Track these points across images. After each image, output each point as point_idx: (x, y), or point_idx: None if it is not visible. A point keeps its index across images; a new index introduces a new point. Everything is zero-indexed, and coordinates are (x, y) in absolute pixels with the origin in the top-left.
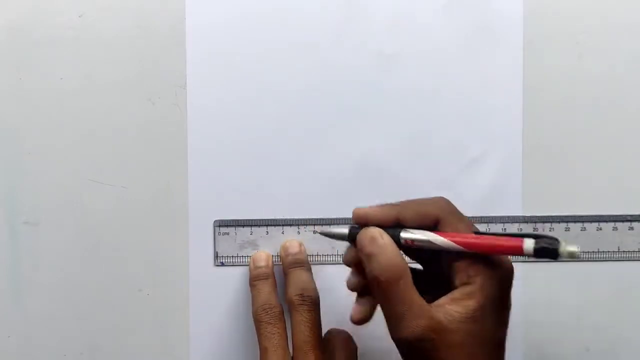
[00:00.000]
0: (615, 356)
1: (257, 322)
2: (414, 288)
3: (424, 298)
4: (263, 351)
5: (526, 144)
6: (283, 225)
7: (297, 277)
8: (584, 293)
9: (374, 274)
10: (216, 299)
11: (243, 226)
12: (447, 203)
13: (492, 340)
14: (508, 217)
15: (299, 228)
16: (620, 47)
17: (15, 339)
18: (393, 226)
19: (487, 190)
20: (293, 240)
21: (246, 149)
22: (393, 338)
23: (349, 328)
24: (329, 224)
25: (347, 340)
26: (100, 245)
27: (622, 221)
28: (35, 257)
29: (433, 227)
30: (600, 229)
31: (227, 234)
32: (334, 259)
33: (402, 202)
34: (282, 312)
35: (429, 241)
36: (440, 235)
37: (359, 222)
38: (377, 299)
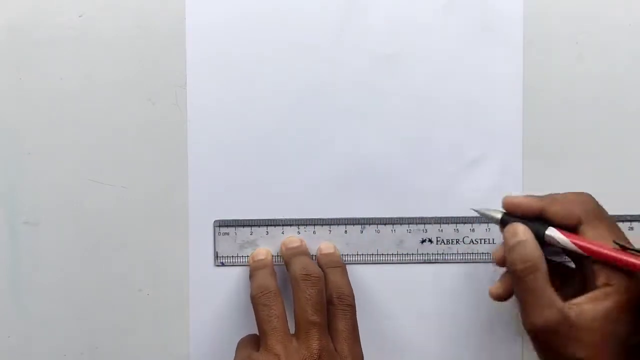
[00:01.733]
0: None
1: (254, 305)
2: (548, 282)
3: (563, 294)
4: (262, 335)
5: (526, 144)
6: (283, 225)
7: (299, 259)
8: None
9: (511, 264)
10: (216, 299)
11: (243, 226)
12: (592, 202)
13: (623, 346)
14: None
15: (298, 228)
16: (620, 47)
17: (15, 339)
18: (538, 218)
19: (487, 190)
20: (294, 236)
21: (246, 149)
22: (524, 326)
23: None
24: (329, 224)
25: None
26: (100, 245)
27: (622, 221)
28: (35, 257)
29: (576, 225)
30: None
31: (227, 234)
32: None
33: (549, 196)
34: (280, 294)
35: (562, 243)
36: (576, 241)
37: (508, 210)
38: (514, 286)
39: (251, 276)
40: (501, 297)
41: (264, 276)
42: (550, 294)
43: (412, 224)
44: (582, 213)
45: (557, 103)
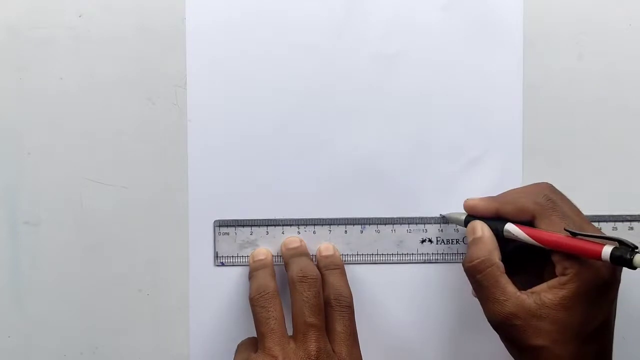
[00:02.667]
0: None
1: (252, 306)
2: (505, 277)
3: (522, 287)
4: (259, 337)
5: (526, 144)
6: (283, 225)
7: (298, 261)
8: None
9: (465, 262)
10: (216, 299)
11: (243, 226)
12: (544, 193)
13: (579, 333)
14: None
15: (298, 228)
16: (620, 47)
17: (15, 339)
18: (497, 218)
19: (487, 190)
20: (294, 236)
21: (246, 149)
22: (488, 322)
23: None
24: (329, 224)
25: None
26: (100, 245)
27: (622, 221)
28: (35, 257)
29: (531, 220)
30: (600, 228)
31: (227, 234)
32: None
33: (503, 195)
34: (278, 295)
35: (520, 237)
36: (530, 232)
37: (468, 212)
38: (471, 284)
39: (250, 277)
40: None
41: (263, 277)
42: (505, 285)
43: (412, 224)
44: (534, 207)
45: (557, 103)
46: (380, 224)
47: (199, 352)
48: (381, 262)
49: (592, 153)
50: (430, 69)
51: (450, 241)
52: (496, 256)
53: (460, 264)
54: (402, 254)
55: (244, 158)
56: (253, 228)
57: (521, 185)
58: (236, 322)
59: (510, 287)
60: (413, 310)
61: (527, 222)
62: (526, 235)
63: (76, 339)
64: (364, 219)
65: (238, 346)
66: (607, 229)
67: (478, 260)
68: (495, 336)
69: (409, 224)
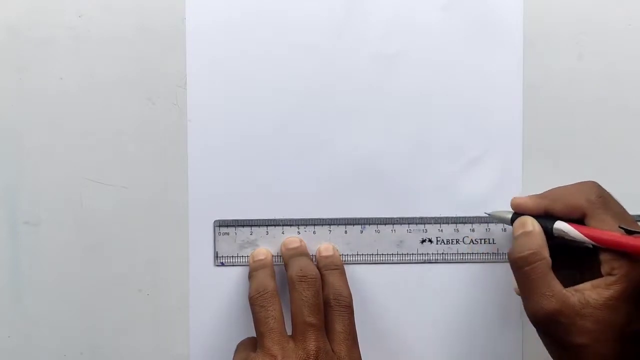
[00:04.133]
0: None
1: (252, 306)
2: (551, 273)
3: (567, 284)
4: (259, 336)
5: (526, 144)
6: (283, 225)
7: (297, 261)
8: None
9: (512, 252)
10: (216, 299)
11: (243, 226)
12: (595, 191)
13: (623, 333)
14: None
15: (298, 228)
16: (620, 47)
17: (15, 339)
18: (545, 216)
19: (487, 190)
20: (294, 236)
21: (246, 149)
22: (527, 315)
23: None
24: (329, 224)
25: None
26: (100, 245)
27: None
28: (35, 257)
29: (581, 218)
30: None
31: (227, 234)
32: None
33: (550, 192)
34: (277, 294)
35: (572, 235)
36: (583, 230)
37: (516, 210)
38: (516, 277)
39: (250, 276)
40: None
41: (262, 277)
42: (551, 281)
43: (412, 224)
44: (586, 204)
45: (557, 103)
46: (380, 224)
47: (199, 352)
48: (381, 262)
49: (592, 153)
50: (430, 69)
51: (451, 241)
52: (546, 252)
53: (460, 264)
54: (402, 254)
55: (244, 158)
56: (253, 228)
57: (521, 185)
58: (236, 322)
59: (556, 284)
60: (413, 311)
61: (575, 220)
62: (578, 233)
63: (76, 339)
64: (364, 219)
65: (238, 346)
66: None
67: (529, 252)
68: (495, 336)
69: (409, 224)
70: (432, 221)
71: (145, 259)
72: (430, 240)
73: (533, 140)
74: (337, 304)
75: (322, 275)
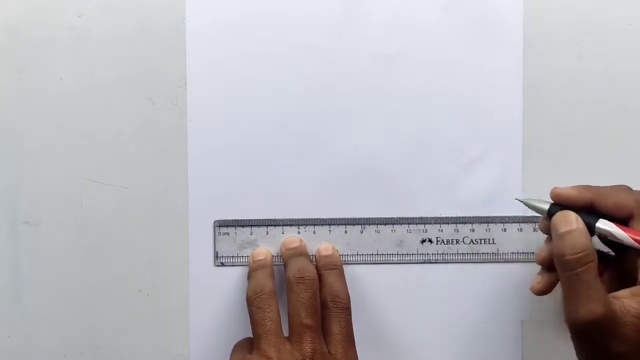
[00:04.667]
0: None
1: (249, 307)
2: (597, 275)
3: (604, 286)
4: (255, 338)
5: (526, 144)
6: (283, 225)
7: (295, 261)
8: None
9: (563, 252)
10: (216, 299)
11: (243, 226)
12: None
13: None
14: (508, 217)
15: (298, 228)
16: (620, 47)
17: (15, 339)
18: (587, 209)
19: (487, 190)
20: (293, 236)
21: (246, 149)
22: (566, 319)
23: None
24: (329, 224)
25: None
26: (100, 245)
27: None
28: (35, 257)
29: (627, 218)
30: None
31: (227, 234)
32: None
33: (599, 188)
34: (274, 295)
35: (619, 237)
36: (629, 233)
37: (556, 201)
38: (560, 276)
39: (249, 277)
40: (544, 292)
41: (261, 277)
42: (599, 286)
43: (412, 224)
44: (634, 205)
45: (557, 103)
46: (380, 224)
47: (199, 352)
48: (381, 262)
49: (592, 153)
50: (430, 69)
51: (451, 241)
52: (595, 253)
53: (460, 264)
54: (402, 254)
55: (244, 158)
56: (253, 228)
57: (521, 185)
58: (236, 322)
59: (602, 289)
60: (413, 311)
61: (619, 220)
62: (626, 235)
63: (76, 339)
64: (364, 219)
65: (234, 346)
66: None
67: (583, 253)
68: (495, 337)
69: (409, 224)
70: (432, 221)
71: (145, 259)
72: (430, 240)
73: (533, 140)
74: (335, 306)
75: (320, 275)
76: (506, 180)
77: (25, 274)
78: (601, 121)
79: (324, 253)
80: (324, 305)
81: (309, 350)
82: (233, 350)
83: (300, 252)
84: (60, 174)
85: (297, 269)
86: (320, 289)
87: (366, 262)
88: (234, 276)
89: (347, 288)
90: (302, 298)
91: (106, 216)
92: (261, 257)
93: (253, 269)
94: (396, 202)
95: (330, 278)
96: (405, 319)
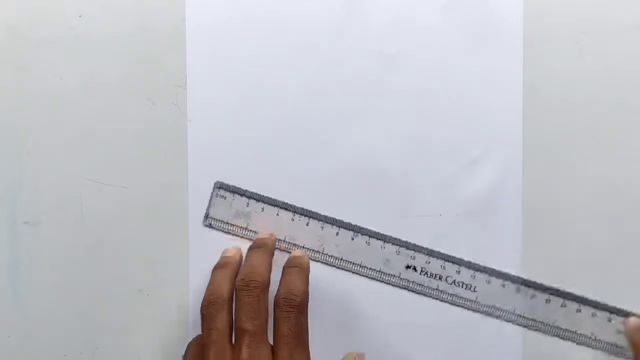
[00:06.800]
0: None
1: (201, 314)
2: None
3: None
4: (203, 347)
5: (526, 144)
6: (279, 207)
7: (250, 259)
8: None
9: None
10: None
11: (241, 195)
12: None
13: None
14: (495, 270)
15: (293, 215)
16: (620, 47)
17: (15, 339)
18: None
19: (487, 190)
20: (267, 231)
21: (246, 149)
22: None
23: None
24: (324, 221)
25: None
26: (100, 245)
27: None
28: (35, 257)
29: None
30: None
31: (224, 197)
32: (320, 257)
33: None
34: (228, 302)
35: None
36: None
37: None
38: None
39: (211, 274)
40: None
41: (218, 280)
42: None
43: (402, 246)
44: None
45: (557, 103)
46: (373, 237)
47: None
48: (362, 274)
49: (592, 153)
50: (431, 69)
51: (434, 275)
52: None
53: (436, 302)
54: (385, 273)
55: (244, 158)
56: (250, 200)
57: (521, 185)
58: None
59: None
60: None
61: None
62: None
63: (76, 339)
64: (357, 226)
65: (188, 346)
66: None
67: None
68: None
69: (399, 245)
70: (423, 251)
71: (145, 259)
72: (415, 269)
73: (533, 140)
74: (285, 304)
75: (282, 273)
76: (506, 180)
77: (25, 274)
78: (601, 121)
79: (293, 254)
80: (276, 305)
81: (245, 357)
82: (187, 350)
83: (263, 245)
84: (60, 174)
85: (247, 271)
86: (278, 289)
87: (349, 270)
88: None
89: (305, 286)
90: (244, 302)
91: (106, 216)
92: (228, 255)
93: (216, 266)
94: (396, 202)
95: (289, 276)
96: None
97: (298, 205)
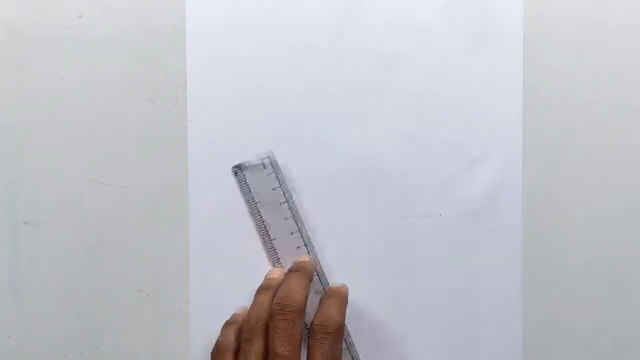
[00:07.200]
0: None
1: (241, 334)
2: None
3: None
4: None
5: (526, 144)
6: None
7: (288, 282)
8: None
9: None
10: (216, 299)
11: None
12: None
13: None
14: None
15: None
16: (620, 47)
17: (15, 339)
18: None
19: (487, 190)
20: (305, 255)
21: (246, 149)
22: None
23: None
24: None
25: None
26: (100, 245)
27: None
28: (35, 257)
29: None
30: None
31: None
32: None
33: None
34: (265, 329)
35: None
36: None
37: None
38: None
39: (255, 295)
40: None
41: (261, 301)
42: None
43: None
44: None
45: (557, 103)
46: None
47: (199, 352)
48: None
49: (592, 153)
50: (431, 69)
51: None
52: None
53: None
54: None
55: (244, 158)
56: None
57: (521, 185)
58: None
59: None
60: (406, 311)
61: None
62: None
63: (76, 339)
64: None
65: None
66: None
67: None
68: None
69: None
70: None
71: (145, 259)
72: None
73: (533, 140)
74: (321, 330)
75: (320, 299)
76: (506, 180)
77: (25, 274)
78: (601, 121)
79: (334, 285)
80: (311, 331)
81: None
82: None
83: (302, 268)
84: (60, 174)
85: (283, 295)
86: (315, 315)
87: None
88: (234, 277)
89: (342, 315)
90: (279, 327)
91: (106, 216)
92: (272, 277)
93: (260, 288)
94: (396, 202)
95: (326, 304)
96: (400, 318)
97: (298, 205)
